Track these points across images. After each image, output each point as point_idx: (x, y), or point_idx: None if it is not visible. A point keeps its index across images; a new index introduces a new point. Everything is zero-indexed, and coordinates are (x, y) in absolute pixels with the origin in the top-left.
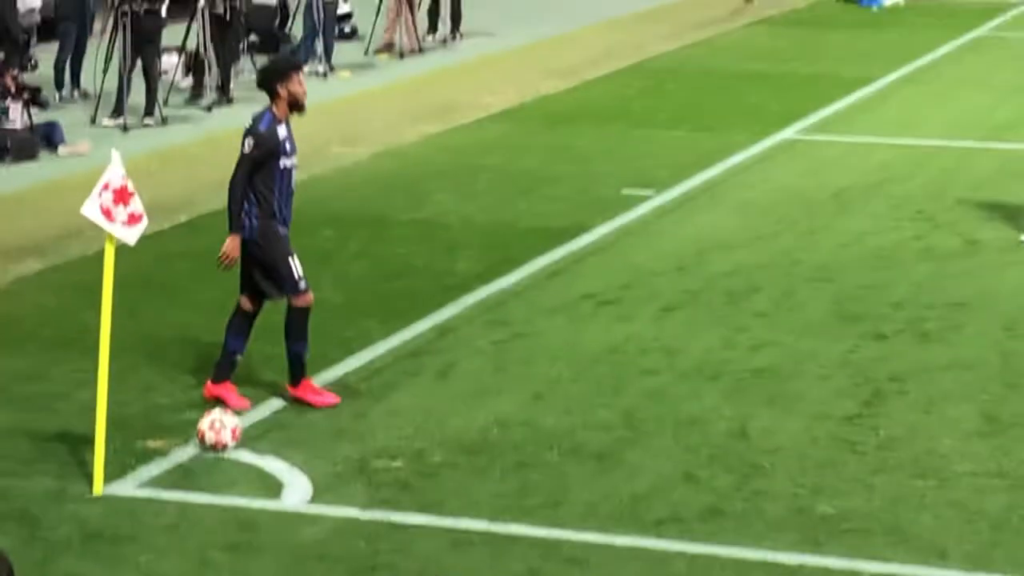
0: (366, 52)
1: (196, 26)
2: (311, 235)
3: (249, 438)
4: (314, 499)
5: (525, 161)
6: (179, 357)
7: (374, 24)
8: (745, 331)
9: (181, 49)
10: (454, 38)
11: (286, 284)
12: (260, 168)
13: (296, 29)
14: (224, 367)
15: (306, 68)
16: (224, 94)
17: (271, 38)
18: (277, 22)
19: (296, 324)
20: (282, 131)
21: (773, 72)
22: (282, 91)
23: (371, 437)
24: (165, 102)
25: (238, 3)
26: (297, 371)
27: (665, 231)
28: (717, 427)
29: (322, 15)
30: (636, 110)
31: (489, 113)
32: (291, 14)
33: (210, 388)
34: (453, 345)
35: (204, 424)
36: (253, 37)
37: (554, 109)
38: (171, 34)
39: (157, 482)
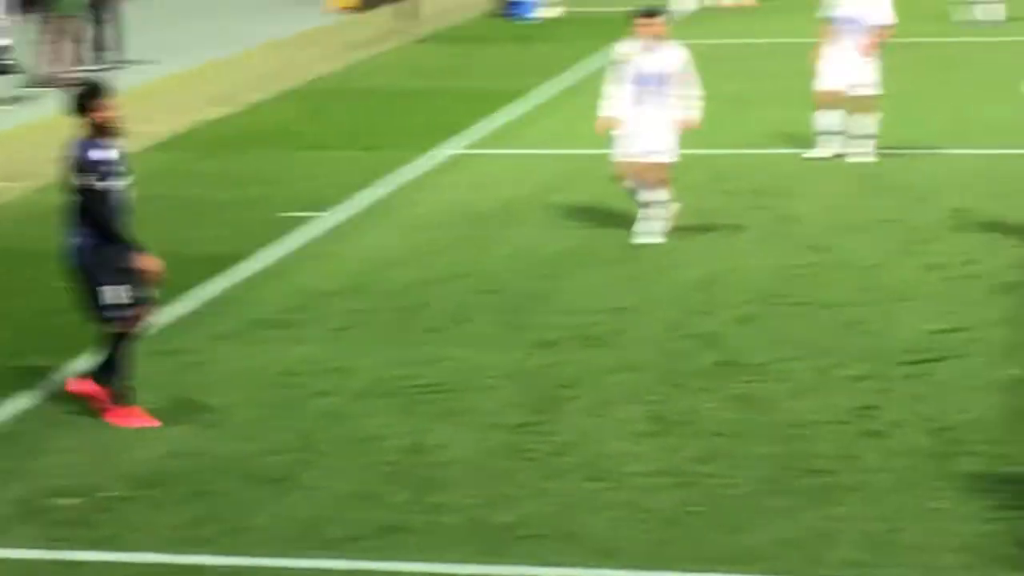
0: (25, 85)
1: None
2: None
3: None
4: None
5: (191, 189)
6: None
7: (33, 57)
8: (417, 347)
9: None
10: (115, 67)
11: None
12: None
13: None
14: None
15: None
16: None
17: None
18: None
19: None
20: None
21: (435, 88)
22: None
23: (44, 475)
24: None
25: None
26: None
27: (335, 252)
28: (392, 444)
29: None
30: (301, 132)
31: (154, 142)
32: None
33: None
34: None
35: None
36: None
37: (219, 135)
38: None
39: None
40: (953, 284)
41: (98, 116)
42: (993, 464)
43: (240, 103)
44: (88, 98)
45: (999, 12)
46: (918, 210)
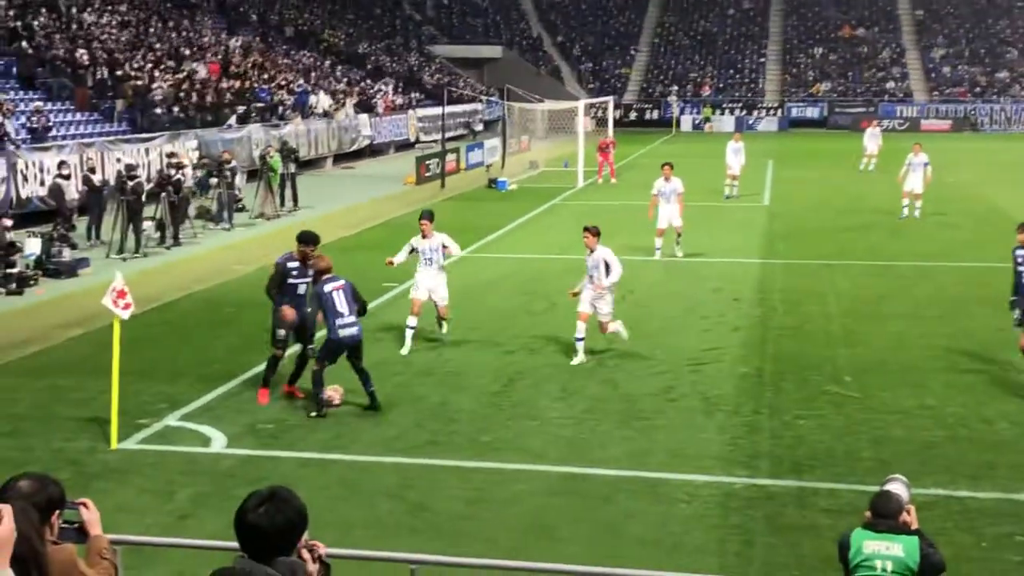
0: (252, 216)
1: (161, 205)
2: None
3: (190, 416)
4: (228, 445)
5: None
6: (153, 375)
7: (254, 201)
8: None
9: (153, 217)
10: (294, 209)
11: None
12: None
13: None
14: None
15: None
16: (176, 241)
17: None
18: None
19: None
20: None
21: (455, 223)
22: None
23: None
24: (145, 244)
25: (183, 192)
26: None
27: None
28: None
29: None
30: (387, 245)
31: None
32: None
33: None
34: None
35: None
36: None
37: (346, 246)
38: (148, 210)
39: (145, 441)
40: None
41: (299, 250)
42: None
43: (357, 228)
44: (299, 239)
45: (735, 191)
46: None
